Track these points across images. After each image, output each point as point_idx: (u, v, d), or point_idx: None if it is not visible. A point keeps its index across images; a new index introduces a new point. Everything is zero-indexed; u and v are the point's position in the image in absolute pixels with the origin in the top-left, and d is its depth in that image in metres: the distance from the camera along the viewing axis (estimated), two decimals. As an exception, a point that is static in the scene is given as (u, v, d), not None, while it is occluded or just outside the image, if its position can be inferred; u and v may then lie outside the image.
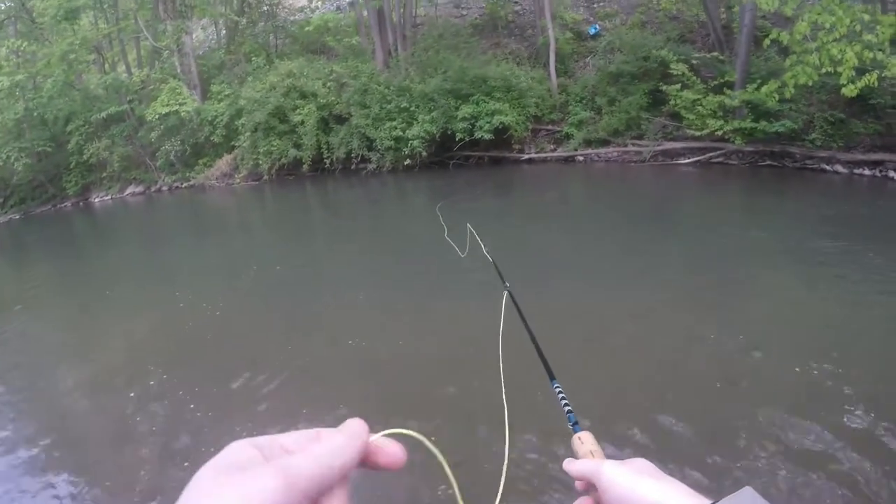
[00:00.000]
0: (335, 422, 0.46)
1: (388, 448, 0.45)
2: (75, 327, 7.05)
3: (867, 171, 14.41)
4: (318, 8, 18.43)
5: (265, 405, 4.19)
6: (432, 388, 4.10)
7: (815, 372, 3.95)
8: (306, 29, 17.72)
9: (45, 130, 22.65)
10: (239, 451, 0.40)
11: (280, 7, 19.35)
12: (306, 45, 17.75)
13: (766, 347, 4.40)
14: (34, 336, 6.88)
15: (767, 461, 3.08)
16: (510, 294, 1.35)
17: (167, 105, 18.15)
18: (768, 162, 14.14)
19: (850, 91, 12.71)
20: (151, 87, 20.53)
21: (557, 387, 0.94)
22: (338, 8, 17.73)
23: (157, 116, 18.24)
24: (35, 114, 21.47)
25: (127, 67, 22.89)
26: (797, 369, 4.01)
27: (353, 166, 15.34)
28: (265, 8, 19.47)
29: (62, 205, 22.27)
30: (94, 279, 9.39)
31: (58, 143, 22.36)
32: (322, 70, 16.30)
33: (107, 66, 22.57)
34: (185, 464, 3.58)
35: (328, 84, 15.91)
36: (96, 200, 21.37)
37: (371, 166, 14.90)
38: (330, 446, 0.42)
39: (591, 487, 0.68)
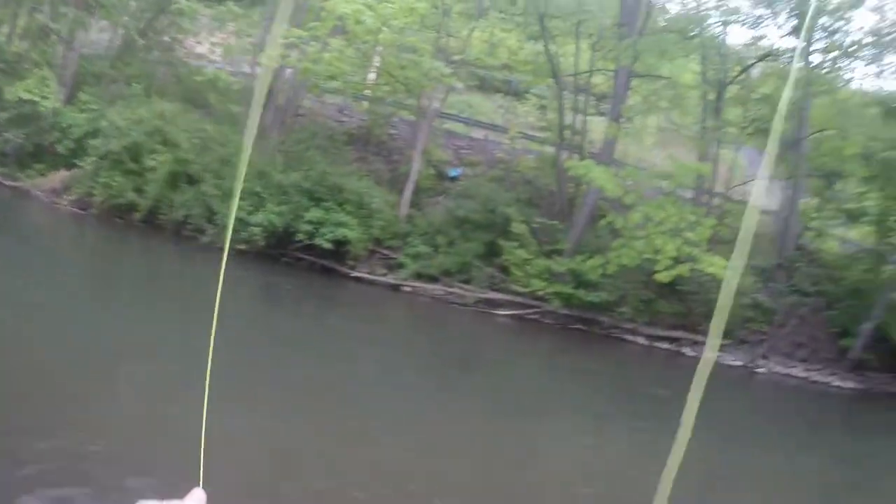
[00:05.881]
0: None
1: None
2: None
3: (665, 345, 16.31)
4: (216, 62, 18.42)
5: None
6: None
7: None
8: (196, 78, 17.56)
9: None
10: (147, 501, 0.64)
11: (179, 44, 19.09)
12: (188, 93, 17.53)
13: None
14: None
15: None
16: None
17: (30, 92, 17.06)
18: (578, 326, 15.52)
19: (663, 277, 14.55)
20: (26, 66, 19.19)
21: None
22: (233, 73, 17.83)
23: (16, 98, 17.05)
24: None
25: (10, 34, 21.23)
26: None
27: (186, 232, 14.99)
28: (166, 38, 19.12)
29: None
30: None
31: None
32: (194, 124, 16.12)
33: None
34: None
35: (194, 140, 15.72)
36: None
37: (205, 239, 14.62)
38: (192, 501, 0.67)
39: None
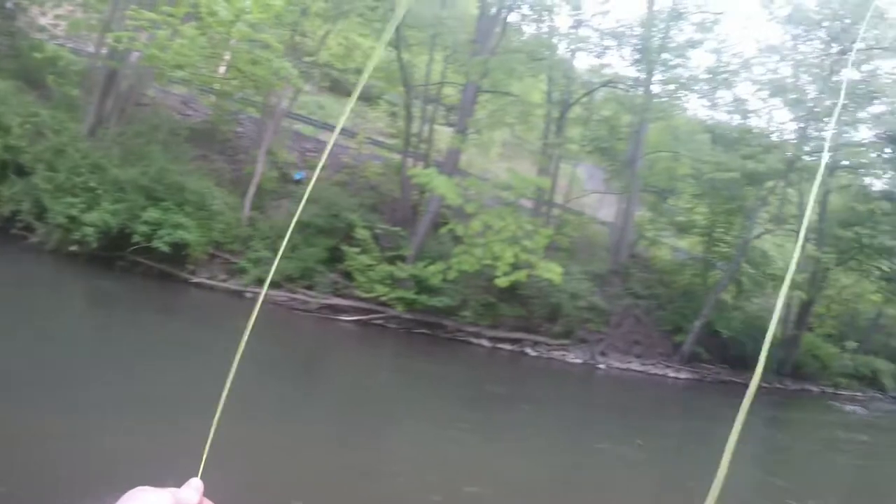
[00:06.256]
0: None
1: None
2: None
3: (508, 346, 17.64)
4: (59, 38, 17.24)
5: None
6: None
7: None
8: (35, 54, 16.47)
9: None
10: (144, 487, 0.70)
11: (23, 13, 17.66)
12: (24, 71, 16.47)
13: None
14: None
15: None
16: None
17: None
18: (423, 330, 16.46)
19: (502, 282, 15.74)
20: None
21: None
22: (75, 50, 16.77)
23: None
24: None
25: None
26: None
27: (13, 230, 14.39)
28: (9, 4, 17.63)
29: None
30: None
31: None
32: (27, 107, 15.33)
33: None
34: None
35: (26, 126, 15.02)
36: None
37: (34, 239, 14.01)
38: (190, 490, 0.74)
39: None
